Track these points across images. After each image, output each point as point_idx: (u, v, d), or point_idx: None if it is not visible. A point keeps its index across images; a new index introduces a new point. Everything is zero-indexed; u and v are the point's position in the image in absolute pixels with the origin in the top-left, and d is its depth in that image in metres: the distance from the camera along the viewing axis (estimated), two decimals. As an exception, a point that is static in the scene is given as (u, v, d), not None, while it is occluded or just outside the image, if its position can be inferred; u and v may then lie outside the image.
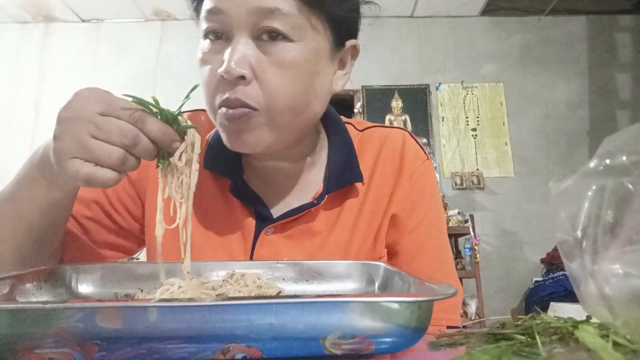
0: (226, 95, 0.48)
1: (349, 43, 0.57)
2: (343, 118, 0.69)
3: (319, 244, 0.59)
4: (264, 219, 0.59)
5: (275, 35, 0.48)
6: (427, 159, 0.66)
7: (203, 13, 0.50)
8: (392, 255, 0.64)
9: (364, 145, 0.65)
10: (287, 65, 0.49)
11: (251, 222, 0.59)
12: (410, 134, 0.68)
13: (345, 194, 0.61)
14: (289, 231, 0.59)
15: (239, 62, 0.47)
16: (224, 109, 0.49)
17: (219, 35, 0.50)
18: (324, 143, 0.65)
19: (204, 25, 0.50)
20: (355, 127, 0.68)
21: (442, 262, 0.64)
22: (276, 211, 0.61)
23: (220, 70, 0.46)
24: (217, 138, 0.59)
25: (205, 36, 0.51)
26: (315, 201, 0.59)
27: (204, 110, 0.65)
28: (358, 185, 0.61)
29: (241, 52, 0.47)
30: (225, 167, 0.59)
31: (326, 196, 0.59)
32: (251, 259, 0.58)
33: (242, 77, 0.47)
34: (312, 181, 0.63)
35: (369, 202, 0.62)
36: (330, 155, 0.62)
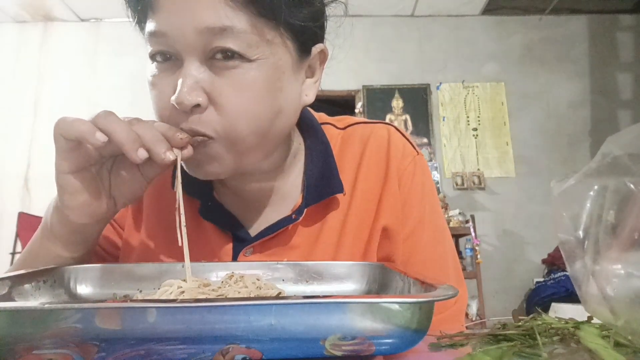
0: (180, 127, 0.44)
1: (316, 49, 0.52)
2: (323, 116, 0.64)
3: (301, 260, 0.55)
4: (241, 240, 0.56)
5: (230, 55, 0.44)
6: (417, 154, 0.60)
7: (146, 35, 0.46)
8: None
9: (346, 145, 0.60)
10: (246, 86, 0.44)
11: (228, 245, 0.56)
12: (396, 128, 0.62)
13: (326, 205, 0.57)
14: (268, 250, 0.56)
15: (191, 89, 0.43)
16: None
17: (168, 57, 0.46)
18: (301, 149, 0.60)
19: (148, 47, 0.46)
20: (336, 126, 0.62)
21: (442, 267, 0.59)
22: (254, 229, 0.57)
23: (173, 99, 0.43)
24: None
25: (152, 58, 0.47)
26: (294, 215, 0.55)
27: None
28: (339, 195, 0.56)
29: (193, 77, 0.43)
30: (194, 186, 0.55)
31: (305, 210, 0.55)
32: None
33: (197, 105, 0.44)
34: (289, 192, 0.58)
35: (353, 212, 0.57)
36: (307, 163, 0.58)
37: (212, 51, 0.44)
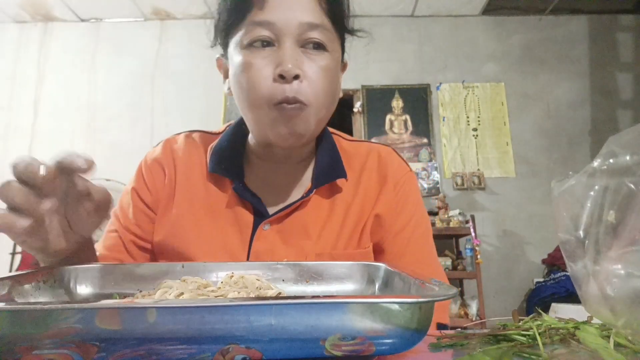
0: (286, 94, 0.57)
1: (345, 59, 0.70)
2: (331, 129, 0.76)
3: (310, 237, 0.66)
4: (261, 216, 0.67)
5: (317, 46, 0.60)
6: (411, 171, 0.74)
7: (250, 25, 0.59)
8: (378, 252, 0.70)
9: (351, 155, 0.74)
10: (325, 69, 0.60)
11: (249, 219, 0.67)
12: (395, 151, 0.77)
13: (333, 192, 0.70)
14: (283, 224, 0.67)
15: (295, 63, 0.57)
16: (285, 106, 0.57)
17: (265, 44, 0.59)
18: (313, 144, 0.72)
19: (249, 35, 0.58)
20: (343, 137, 0.77)
21: (428, 261, 0.70)
22: (272, 209, 0.68)
23: (281, 69, 0.56)
24: (219, 147, 0.70)
25: (249, 45, 0.59)
26: (305, 195, 0.67)
27: (196, 132, 0.76)
28: (345, 185, 0.70)
29: (294, 56, 0.57)
30: (230, 169, 0.68)
31: (314, 190, 0.67)
32: (249, 252, 0.65)
33: (297, 76, 0.57)
34: (303, 180, 0.71)
35: (356, 204, 0.69)
36: (318, 156, 0.71)
37: (306, 41, 0.59)
